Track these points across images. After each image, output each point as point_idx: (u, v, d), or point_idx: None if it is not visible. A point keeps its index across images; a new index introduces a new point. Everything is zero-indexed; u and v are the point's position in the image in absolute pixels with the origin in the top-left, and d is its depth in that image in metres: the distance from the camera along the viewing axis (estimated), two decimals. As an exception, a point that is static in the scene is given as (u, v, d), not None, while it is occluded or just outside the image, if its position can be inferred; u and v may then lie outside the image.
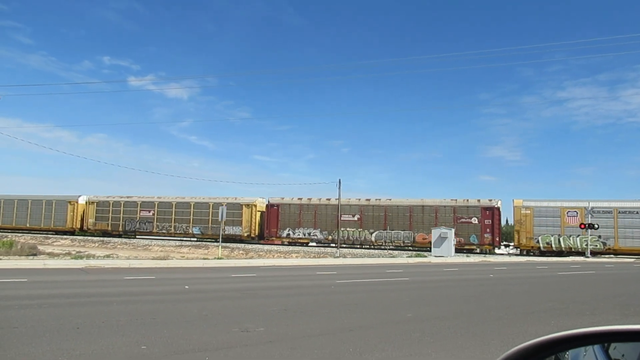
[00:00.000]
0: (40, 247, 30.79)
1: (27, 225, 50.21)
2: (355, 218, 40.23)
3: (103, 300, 9.98)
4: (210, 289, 13.00)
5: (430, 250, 34.43)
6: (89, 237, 45.92)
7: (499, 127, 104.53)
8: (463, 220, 37.88)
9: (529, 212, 36.82)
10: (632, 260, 32.92)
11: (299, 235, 41.81)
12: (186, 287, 12.92)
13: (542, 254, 36.07)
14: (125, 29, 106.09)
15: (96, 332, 6.78)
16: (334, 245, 39.86)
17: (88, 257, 23.29)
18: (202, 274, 17.11)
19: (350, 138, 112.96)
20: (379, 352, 6.30)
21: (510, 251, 40.42)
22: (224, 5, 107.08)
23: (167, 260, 22.12)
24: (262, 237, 43.91)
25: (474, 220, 37.67)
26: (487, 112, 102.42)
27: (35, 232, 49.82)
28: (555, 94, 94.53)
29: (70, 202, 48.88)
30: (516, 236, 37.46)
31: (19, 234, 46.30)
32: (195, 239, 44.98)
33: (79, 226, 49.19)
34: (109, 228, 47.75)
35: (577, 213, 35.76)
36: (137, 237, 46.82)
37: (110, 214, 47.80)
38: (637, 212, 34.83)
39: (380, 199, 40.64)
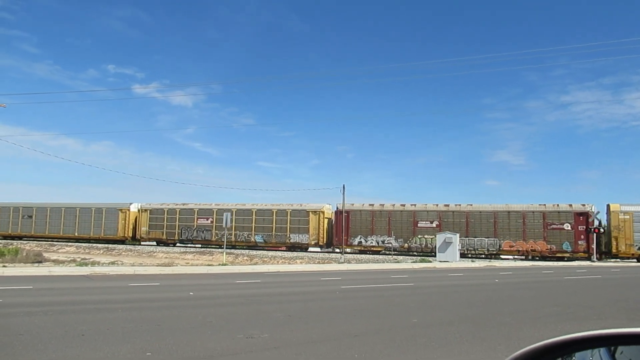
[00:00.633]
0: (46, 254, 30.86)
1: (75, 234, 48.08)
2: (434, 225, 37.99)
3: (108, 307, 9.99)
4: (215, 296, 12.98)
5: (514, 258, 33.33)
6: (94, 244, 45.77)
7: (503, 132, 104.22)
8: (554, 226, 35.60)
9: (628, 217, 34.52)
10: (639, 264, 32.68)
11: (371, 242, 39.70)
12: (191, 293, 12.92)
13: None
14: (130, 38, 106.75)
15: (101, 339, 6.78)
16: (411, 253, 38.02)
17: (93, 264, 23.33)
18: (207, 281, 17.11)
19: (354, 143, 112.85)
20: (385, 357, 6.28)
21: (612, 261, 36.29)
22: (228, 13, 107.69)
23: (171, 267, 22.13)
24: (330, 245, 42.12)
25: (567, 227, 35.32)
26: (491, 117, 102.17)
27: (84, 241, 47.65)
28: (559, 98, 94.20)
29: (121, 210, 46.71)
30: (614, 243, 34.75)
31: (68, 244, 44.89)
32: (259, 248, 42.86)
33: (130, 235, 47.08)
34: (164, 237, 45.49)
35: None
36: (195, 245, 44.82)
37: (165, 222, 45.61)
38: None
39: (460, 205, 38.60)
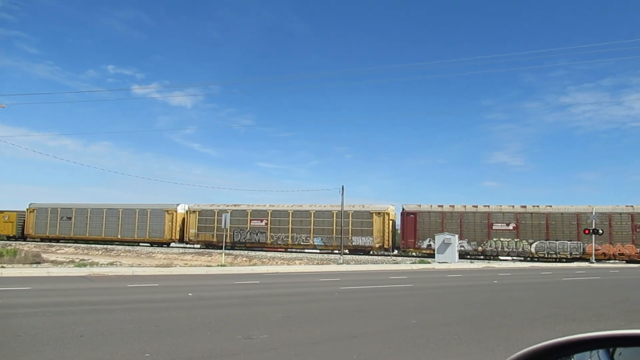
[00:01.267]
0: (44, 255, 30.81)
1: (119, 236, 46.21)
2: (511, 227, 36.49)
3: (106, 308, 9.98)
4: (214, 297, 12.97)
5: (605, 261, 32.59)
6: (92, 245, 45.51)
7: (502, 133, 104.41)
8: None
9: None
10: (637, 265, 32.70)
11: None
12: (190, 294, 12.91)
13: None
14: (131, 39, 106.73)
15: (99, 340, 6.77)
16: (482, 257, 36.95)
17: (91, 264, 23.30)
18: (206, 282, 17.09)
19: (354, 144, 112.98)
20: (384, 358, 6.28)
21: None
22: (230, 14, 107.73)
23: (170, 268, 22.11)
24: (396, 248, 40.74)
25: None
26: (490, 118, 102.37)
27: (127, 243, 45.79)
28: (558, 99, 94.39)
29: (167, 211, 44.55)
30: None
31: (113, 247, 43.61)
32: (318, 251, 40.97)
33: (177, 237, 45.00)
34: (214, 239, 43.17)
35: None
36: (248, 249, 42.73)
37: (216, 224, 42.95)
38: None
39: (538, 206, 37.00)
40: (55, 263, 25.01)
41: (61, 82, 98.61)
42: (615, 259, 34.89)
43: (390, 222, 40.33)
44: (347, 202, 39.16)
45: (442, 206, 38.89)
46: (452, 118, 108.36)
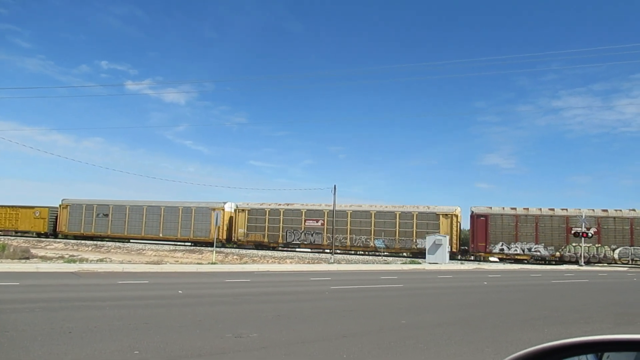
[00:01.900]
0: (33, 251, 30.52)
1: (160, 235, 44.40)
2: (591, 232, 34.55)
3: (95, 305, 9.90)
4: (204, 294, 12.93)
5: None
6: (82, 241, 45.04)
7: (494, 135, 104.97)
8: None
9: None
10: (625, 269, 33.05)
11: (515, 250, 36.35)
12: (180, 292, 12.85)
13: None
14: (125, 35, 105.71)
15: (88, 337, 6.72)
16: (561, 262, 35.52)
17: (81, 260, 23.13)
18: (196, 279, 17.03)
19: (347, 144, 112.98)
20: (374, 358, 6.29)
21: None
22: (225, 12, 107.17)
23: (160, 265, 22.01)
24: (464, 252, 39.54)
25: None
26: (482, 120, 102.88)
27: (170, 243, 43.96)
28: (550, 102, 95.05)
29: (214, 209, 41.32)
30: None
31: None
32: (381, 254, 38.64)
33: (225, 237, 43.27)
34: (265, 239, 41.78)
35: None
36: (303, 250, 41.50)
37: (267, 224, 41.77)
38: None
39: (621, 210, 35.38)
40: (44, 259, 24.78)
41: (53, 77, 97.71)
42: None
43: (458, 224, 38.60)
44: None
45: (515, 209, 37.22)
46: (445, 120, 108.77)
